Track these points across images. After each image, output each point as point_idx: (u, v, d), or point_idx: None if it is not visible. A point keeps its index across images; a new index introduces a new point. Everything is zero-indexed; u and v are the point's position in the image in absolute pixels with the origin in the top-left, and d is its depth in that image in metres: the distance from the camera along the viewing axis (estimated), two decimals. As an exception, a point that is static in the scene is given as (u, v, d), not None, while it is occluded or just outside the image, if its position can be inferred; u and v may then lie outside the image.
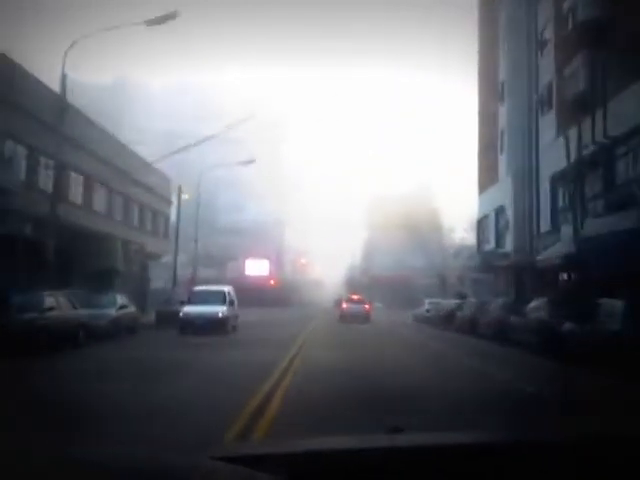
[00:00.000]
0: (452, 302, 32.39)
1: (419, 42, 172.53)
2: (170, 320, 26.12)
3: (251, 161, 42.25)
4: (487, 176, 39.71)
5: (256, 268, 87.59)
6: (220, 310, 24.71)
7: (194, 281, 41.37)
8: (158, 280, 76.59)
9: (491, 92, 39.12)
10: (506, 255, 33.81)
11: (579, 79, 24.19)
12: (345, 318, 35.60)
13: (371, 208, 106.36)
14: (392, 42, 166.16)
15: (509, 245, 34.33)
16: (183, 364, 13.22)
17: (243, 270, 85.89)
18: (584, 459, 1.75)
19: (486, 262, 34.22)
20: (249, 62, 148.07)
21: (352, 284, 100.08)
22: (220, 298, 25.81)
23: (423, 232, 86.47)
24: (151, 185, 39.98)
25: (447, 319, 30.14)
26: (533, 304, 18.56)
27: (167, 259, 79.14)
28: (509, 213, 34.42)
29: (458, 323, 28.03)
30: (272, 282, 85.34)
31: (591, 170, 23.01)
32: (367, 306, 37.74)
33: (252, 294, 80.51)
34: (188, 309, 24.85)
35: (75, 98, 24.81)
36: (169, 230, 43.17)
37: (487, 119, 40.03)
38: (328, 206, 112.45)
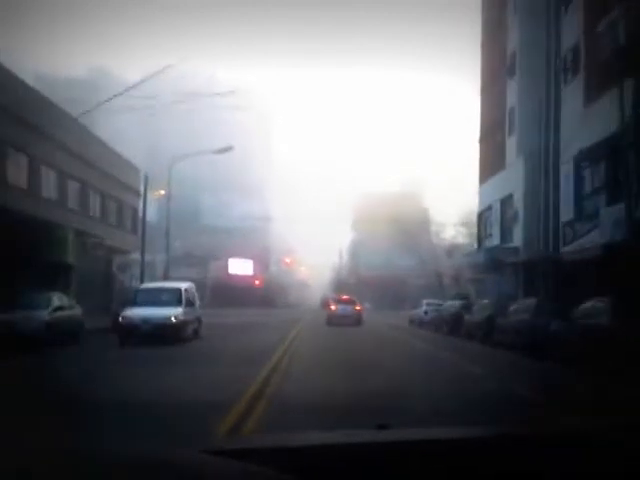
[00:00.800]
0: (455, 303, 27.79)
1: (407, 36, 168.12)
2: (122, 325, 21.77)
3: (228, 149, 37.44)
4: (491, 163, 35.12)
5: (240, 268, 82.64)
6: (173, 313, 19.36)
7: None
8: (135, 280, 72.22)
9: (497, 68, 34.57)
10: (514, 251, 29.25)
11: (618, 32, 19.65)
12: (334, 321, 31.25)
13: (358, 206, 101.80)
14: (379, 37, 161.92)
15: (518, 239, 29.76)
16: (70, 399, 7.99)
17: (226, 270, 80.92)
18: (566, 454, 1.73)
19: (492, 259, 29.51)
20: (234, 54, 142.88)
21: (338, 285, 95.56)
22: (174, 297, 20.50)
23: (412, 230, 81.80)
24: (115, 174, 35.04)
25: (452, 323, 25.59)
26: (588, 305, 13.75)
27: (145, 257, 75.16)
28: (518, 202, 29.85)
29: (467, 328, 23.42)
30: (256, 282, 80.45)
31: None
32: (358, 307, 32.93)
33: (235, 295, 75.90)
34: (130, 312, 19.53)
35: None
36: (138, 224, 38.21)
37: (491, 99, 35.46)
38: (315, 205, 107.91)
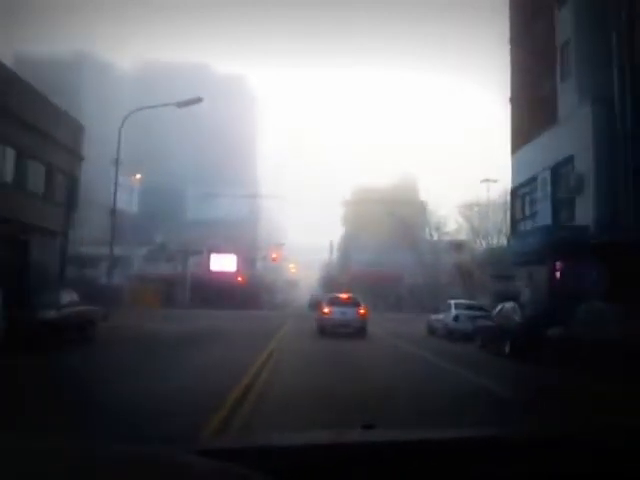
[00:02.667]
0: (512, 307, 17.48)
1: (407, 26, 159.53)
2: (30, 331, 14.44)
3: (195, 100, 28.14)
4: (531, 123, 26.12)
5: (223, 263, 73.15)
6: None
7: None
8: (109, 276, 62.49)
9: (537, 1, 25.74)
10: (581, 231, 20.19)
11: None
12: (328, 330, 22.19)
13: (349, 199, 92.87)
14: (379, 31, 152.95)
15: (584, 216, 20.71)
16: None
17: (207, 265, 71.47)
18: (549, 455, 1.68)
19: (560, 242, 19.76)
20: (231, 41, 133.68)
21: (328, 283, 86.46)
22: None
23: (408, 224, 72.56)
24: (41, 126, 25.37)
25: (521, 339, 15.41)
26: None
27: (121, 251, 65.35)
28: (584, 166, 20.81)
29: (557, 350, 13.50)
30: (240, 279, 71.03)
31: None
32: (362, 311, 22.77)
33: (216, 293, 66.49)
34: None
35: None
36: (78, 198, 28.82)
37: (531, 41, 26.49)
38: (305, 198, 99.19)
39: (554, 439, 1.84)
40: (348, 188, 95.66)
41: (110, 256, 29.70)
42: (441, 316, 24.15)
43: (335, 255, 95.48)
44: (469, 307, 23.09)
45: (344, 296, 24.89)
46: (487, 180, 60.56)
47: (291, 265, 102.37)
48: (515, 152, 28.10)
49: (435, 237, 68.08)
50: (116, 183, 28.27)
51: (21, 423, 5.72)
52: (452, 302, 24.25)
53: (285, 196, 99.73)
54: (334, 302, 23.43)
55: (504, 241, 65.70)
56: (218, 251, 72.66)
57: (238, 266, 74.02)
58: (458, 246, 52.12)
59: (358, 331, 22.27)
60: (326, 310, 23.01)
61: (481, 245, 63.42)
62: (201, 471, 1.36)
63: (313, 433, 2.26)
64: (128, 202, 76.33)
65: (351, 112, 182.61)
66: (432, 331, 25.23)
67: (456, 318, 22.18)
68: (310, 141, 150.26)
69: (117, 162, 26.66)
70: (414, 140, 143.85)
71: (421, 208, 75.20)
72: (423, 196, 73.22)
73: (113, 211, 28.54)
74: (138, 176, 60.31)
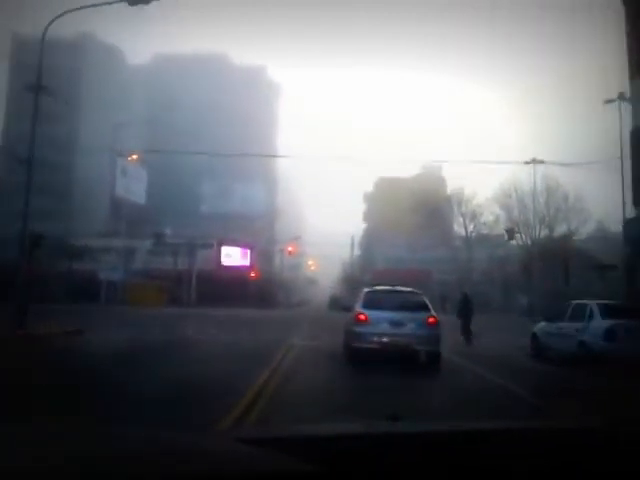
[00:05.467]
0: None
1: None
2: None
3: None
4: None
5: (235, 257, 63.77)
6: None
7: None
8: (109, 272, 53.53)
9: None
10: None
11: None
12: (366, 352, 11.92)
13: (372, 192, 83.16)
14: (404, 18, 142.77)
15: None
16: None
17: (218, 260, 62.09)
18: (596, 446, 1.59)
19: None
20: (249, 31, 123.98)
21: (349, 281, 76.94)
22: None
23: (437, 217, 62.52)
24: None
25: None
26: None
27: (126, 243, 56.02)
28: None
29: None
30: (253, 275, 61.55)
31: None
32: (432, 319, 12.31)
33: (226, 291, 57.04)
34: None
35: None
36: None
37: None
38: (325, 191, 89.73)
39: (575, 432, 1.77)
40: (370, 181, 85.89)
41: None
42: (567, 327, 13.60)
43: (357, 251, 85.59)
44: (628, 312, 13.12)
45: (399, 290, 13.28)
46: (534, 161, 50.60)
47: (310, 262, 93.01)
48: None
49: (471, 228, 58.22)
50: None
51: None
52: (593, 305, 13.28)
53: (304, 188, 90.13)
54: (379, 301, 12.54)
55: (546, 232, 56.94)
56: (230, 244, 63.32)
57: (252, 261, 64.64)
58: (511, 233, 42.18)
59: (427, 358, 12.16)
60: (363, 316, 12.17)
61: (522, 238, 53.68)
62: (241, 458, 1.39)
63: (344, 424, 2.22)
64: (135, 192, 67.57)
65: (372, 101, 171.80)
66: (541, 351, 14.93)
67: (609, 334, 11.82)
68: (330, 133, 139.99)
69: (36, 92, 17.01)
70: (441, 125, 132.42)
71: (450, 198, 65.09)
72: (454, 185, 62.95)
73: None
74: (134, 156, 51.08)
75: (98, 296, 49.94)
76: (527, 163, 50.94)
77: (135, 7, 16.47)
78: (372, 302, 12.68)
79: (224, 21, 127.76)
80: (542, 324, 15.89)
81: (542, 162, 50.90)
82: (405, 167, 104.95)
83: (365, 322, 12.31)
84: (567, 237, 43.62)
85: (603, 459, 1.51)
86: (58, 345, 14.87)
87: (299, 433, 1.84)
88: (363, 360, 11.90)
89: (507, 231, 42.45)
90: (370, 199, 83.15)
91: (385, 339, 12.12)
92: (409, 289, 13.56)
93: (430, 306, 12.71)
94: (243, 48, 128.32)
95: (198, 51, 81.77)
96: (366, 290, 13.42)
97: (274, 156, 72.45)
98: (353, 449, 1.55)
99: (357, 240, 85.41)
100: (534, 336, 15.82)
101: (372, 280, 58.84)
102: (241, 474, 1.30)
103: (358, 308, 12.70)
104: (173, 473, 1.26)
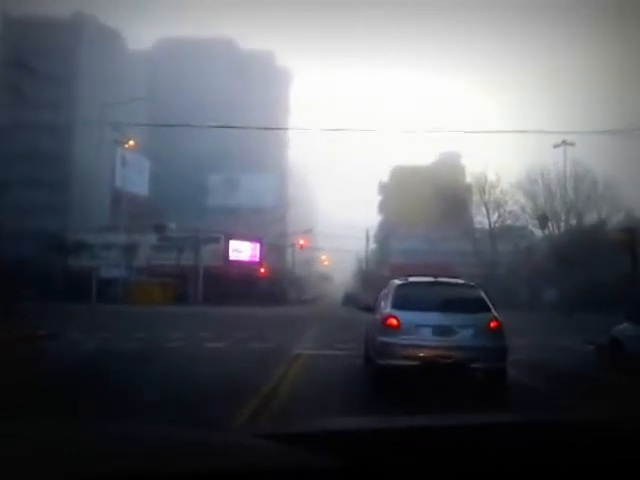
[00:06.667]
0: None
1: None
2: None
3: None
4: None
5: (243, 252, 59.86)
6: None
7: None
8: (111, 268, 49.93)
9: None
10: None
11: None
12: (396, 370, 8.12)
13: (388, 182, 78.76)
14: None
15: None
16: None
17: (226, 255, 58.18)
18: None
19: None
20: (257, 16, 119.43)
21: (365, 277, 72.90)
22: None
23: (458, 208, 58.16)
24: None
25: None
26: None
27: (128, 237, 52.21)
28: None
29: None
30: (262, 270, 57.64)
31: None
32: (494, 323, 8.14)
33: (234, 287, 53.26)
34: None
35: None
36: None
37: None
38: (338, 183, 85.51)
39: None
40: (385, 171, 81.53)
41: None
42: None
43: (372, 245, 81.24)
44: None
45: (444, 282, 9.32)
46: (564, 143, 46.23)
47: (323, 257, 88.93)
48: None
49: (494, 218, 53.86)
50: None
51: None
52: None
53: (316, 181, 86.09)
54: (417, 298, 8.62)
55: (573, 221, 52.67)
56: (238, 238, 59.39)
57: (261, 256, 60.70)
58: (544, 221, 37.87)
59: (488, 378, 8.44)
60: (394, 320, 8.28)
61: (550, 227, 49.39)
62: (259, 453, 1.36)
63: (361, 418, 2.21)
64: (138, 184, 63.95)
65: (388, 87, 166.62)
66: (629, 363, 10.16)
67: None
68: (343, 121, 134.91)
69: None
70: (456, 111, 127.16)
71: (468, 190, 60.77)
72: (475, 172, 58.53)
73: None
74: (131, 142, 47.38)
75: (97, 295, 46.22)
76: (557, 146, 46.79)
77: None
78: (406, 300, 8.58)
79: (230, 7, 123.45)
80: (625, 326, 11.75)
81: (573, 144, 46.69)
82: (422, 155, 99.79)
83: (397, 329, 8.25)
84: (619, 225, 39.16)
85: (609, 454, 1.44)
86: (16, 352, 11.40)
87: (316, 428, 1.76)
88: (393, 383, 7.82)
89: (539, 219, 38.07)
90: (385, 189, 78.85)
91: (427, 353, 8.02)
92: (458, 280, 9.47)
93: (490, 304, 8.55)
94: (250, 33, 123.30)
95: (203, 36, 78.05)
96: (397, 283, 9.26)
97: (282, 129, 68.47)
98: (371, 444, 1.50)
99: (372, 233, 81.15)
100: (615, 342, 11.66)
101: (389, 275, 54.08)
102: (259, 470, 1.27)
103: (386, 309, 8.61)
104: (190, 470, 1.22)
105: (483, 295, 8.68)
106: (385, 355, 8.21)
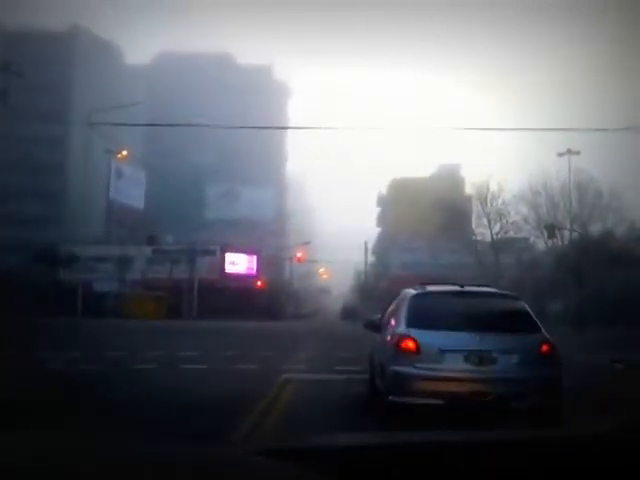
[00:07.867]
0: None
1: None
2: None
3: None
4: None
5: (240, 265, 57.66)
6: None
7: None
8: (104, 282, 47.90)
9: None
10: None
11: None
12: (413, 415, 5.90)
13: (386, 194, 76.84)
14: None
15: None
16: None
17: (221, 268, 55.99)
18: None
19: None
20: (255, 30, 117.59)
21: (364, 290, 70.78)
22: None
23: (457, 219, 55.95)
24: None
25: None
26: None
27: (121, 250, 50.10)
28: None
29: None
30: (259, 284, 55.45)
31: None
32: (546, 346, 6.05)
33: (230, 301, 51.08)
34: None
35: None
36: None
37: None
38: (336, 195, 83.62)
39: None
40: (383, 183, 79.72)
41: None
42: None
43: (370, 258, 79.12)
44: None
45: (475, 292, 7.13)
46: (569, 152, 44.27)
47: (321, 270, 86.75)
48: None
49: (497, 229, 51.74)
50: None
51: None
52: None
53: (314, 193, 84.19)
54: (441, 314, 6.51)
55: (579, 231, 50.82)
56: (234, 250, 57.22)
57: (258, 268, 58.51)
58: (551, 231, 35.83)
59: (536, 418, 5.87)
60: (411, 343, 6.14)
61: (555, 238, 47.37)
62: (263, 471, 1.33)
63: (362, 434, 2.11)
64: (133, 196, 61.99)
65: (385, 99, 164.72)
66: None
67: None
68: (341, 136, 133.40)
69: None
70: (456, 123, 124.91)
71: (467, 201, 58.75)
72: (475, 181, 56.55)
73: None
74: (124, 153, 45.44)
75: (87, 309, 44.04)
76: (561, 155, 44.86)
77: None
78: (426, 315, 6.48)
79: (228, 21, 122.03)
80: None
81: (578, 153, 44.74)
82: (420, 168, 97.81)
83: (414, 354, 6.19)
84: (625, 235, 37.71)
85: (612, 466, 1.44)
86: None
87: (317, 444, 1.76)
88: (409, 427, 5.64)
89: (547, 228, 36.01)
90: (384, 201, 76.99)
91: (457, 388, 5.89)
92: (491, 289, 7.30)
93: (538, 321, 6.38)
94: (247, 47, 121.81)
95: (200, 50, 76.42)
96: (412, 293, 7.10)
97: (282, 128, 66.64)
98: (372, 460, 1.49)
99: (370, 245, 79.01)
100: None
101: (387, 289, 51.75)
102: None
103: (399, 327, 6.47)
104: None
105: (528, 309, 6.53)
106: (399, 390, 6.11)
